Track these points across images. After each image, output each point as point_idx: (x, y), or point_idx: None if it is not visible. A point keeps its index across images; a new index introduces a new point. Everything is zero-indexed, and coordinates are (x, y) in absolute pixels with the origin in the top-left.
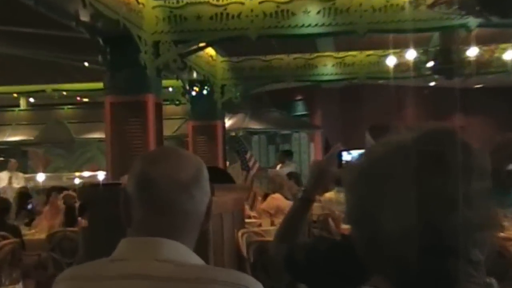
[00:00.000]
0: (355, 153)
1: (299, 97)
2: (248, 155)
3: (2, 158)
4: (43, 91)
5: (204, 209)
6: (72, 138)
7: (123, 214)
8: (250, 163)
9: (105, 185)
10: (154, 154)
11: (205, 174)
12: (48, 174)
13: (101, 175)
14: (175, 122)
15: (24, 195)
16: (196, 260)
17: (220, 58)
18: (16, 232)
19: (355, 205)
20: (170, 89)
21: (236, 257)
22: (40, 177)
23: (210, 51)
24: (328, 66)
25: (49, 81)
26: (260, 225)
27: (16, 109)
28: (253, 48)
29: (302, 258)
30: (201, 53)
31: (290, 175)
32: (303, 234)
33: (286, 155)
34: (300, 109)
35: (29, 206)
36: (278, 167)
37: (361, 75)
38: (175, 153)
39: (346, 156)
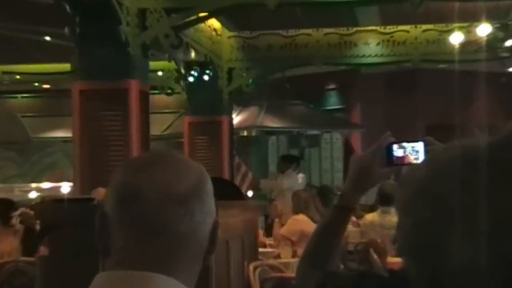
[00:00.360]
0: (409, 146)
1: (331, 86)
2: (235, 161)
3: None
4: None
5: (207, 233)
6: (27, 137)
7: (99, 240)
8: (239, 174)
9: (72, 200)
10: (141, 160)
11: (209, 187)
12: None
13: (66, 187)
14: (166, 117)
15: None
16: None
17: (228, 33)
18: None
19: (413, 231)
20: (160, 73)
21: None
22: None
23: (214, 23)
24: (371, 45)
25: None
26: (278, 256)
27: None
28: (271, 20)
29: None
30: (202, 26)
31: (320, 190)
32: (338, 258)
33: (290, 162)
34: (333, 102)
35: None
36: (277, 178)
37: (415, 57)
38: (169, 158)
39: (398, 151)
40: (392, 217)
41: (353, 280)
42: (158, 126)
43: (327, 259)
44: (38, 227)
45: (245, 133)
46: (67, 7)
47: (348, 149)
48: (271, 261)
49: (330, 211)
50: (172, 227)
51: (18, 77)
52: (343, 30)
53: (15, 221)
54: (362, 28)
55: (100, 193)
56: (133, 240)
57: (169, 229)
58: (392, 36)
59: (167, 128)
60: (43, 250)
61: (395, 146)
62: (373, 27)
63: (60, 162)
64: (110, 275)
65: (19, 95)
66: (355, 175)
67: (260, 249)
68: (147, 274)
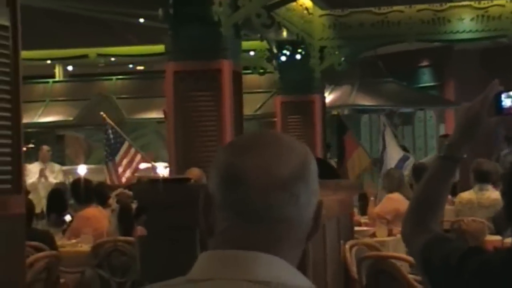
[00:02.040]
0: None
1: (424, 63)
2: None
3: (32, 145)
4: (85, 56)
5: (311, 214)
6: (122, 118)
7: (203, 221)
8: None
9: (168, 180)
10: (244, 141)
11: (313, 168)
12: (91, 166)
13: (160, 168)
14: (258, 97)
15: (59, 193)
16: (302, 281)
17: (319, 11)
18: (51, 242)
19: None
20: (252, 53)
21: (343, 278)
22: (81, 169)
23: (306, 2)
24: (465, 20)
25: (92, 44)
26: (373, 234)
27: (50, 80)
28: None
29: (454, 263)
30: (293, 5)
31: (415, 168)
32: (443, 213)
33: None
34: (426, 79)
35: (67, 217)
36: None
37: (511, 32)
38: (273, 139)
39: (506, 100)
40: (491, 193)
41: (462, 251)
42: (251, 106)
43: (432, 215)
44: (134, 207)
45: (337, 112)
46: None
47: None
48: (367, 240)
49: (435, 162)
50: (277, 211)
51: (113, 59)
52: (436, 6)
53: (112, 201)
54: (455, 4)
55: (194, 173)
56: (237, 222)
57: (274, 213)
58: (486, 11)
59: (260, 108)
60: (140, 230)
61: (503, 95)
62: (467, 2)
63: (154, 143)
64: (215, 254)
65: (114, 77)
66: (462, 124)
67: (356, 228)
68: (253, 254)
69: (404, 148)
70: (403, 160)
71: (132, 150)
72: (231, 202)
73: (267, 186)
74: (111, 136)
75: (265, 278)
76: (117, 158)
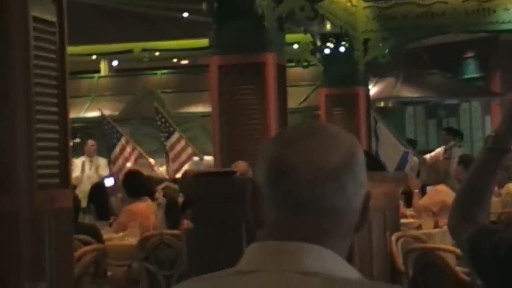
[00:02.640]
0: None
1: (470, 54)
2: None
3: (78, 140)
4: (130, 51)
5: (358, 205)
6: (167, 112)
7: (251, 213)
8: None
9: (213, 174)
10: (291, 133)
11: (361, 158)
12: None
13: (205, 161)
14: (302, 90)
15: (100, 187)
16: (351, 272)
17: (363, 3)
18: (97, 235)
19: None
20: (296, 46)
21: (389, 270)
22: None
23: None
24: (510, 11)
25: (137, 39)
26: (419, 226)
27: (96, 75)
28: None
29: (503, 253)
30: None
31: (462, 159)
32: (489, 206)
33: (453, 135)
34: (472, 71)
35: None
36: (439, 150)
37: None
38: (319, 131)
39: None
40: None
41: (510, 241)
42: (295, 99)
43: (478, 207)
44: (180, 200)
45: (382, 104)
46: None
47: None
48: (414, 232)
49: (480, 154)
50: (325, 202)
51: (157, 53)
52: None
53: (159, 194)
54: None
55: (240, 166)
56: (285, 213)
57: (322, 205)
58: None
59: (304, 100)
60: (186, 223)
61: None
62: None
63: (199, 137)
64: (264, 245)
65: (159, 72)
66: (509, 115)
67: (401, 220)
68: (302, 245)
69: (410, 141)
70: (403, 159)
71: (129, 146)
72: (278, 193)
73: (315, 177)
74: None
75: (314, 269)
76: (113, 155)
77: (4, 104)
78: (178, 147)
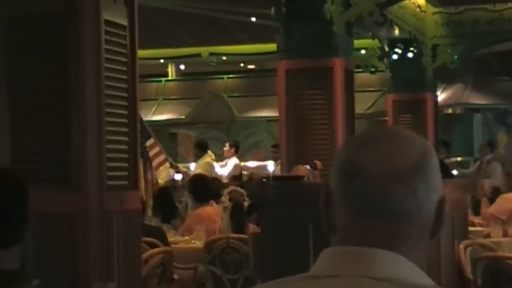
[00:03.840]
0: None
1: None
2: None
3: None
4: (197, 55)
5: (432, 210)
6: (233, 116)
7: (324, 217)
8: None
9: (280, 178)
10: (364, 137)
11: (434, 162)
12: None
13: (271, 166)
14: (369, 95)
15: (166, 192)
16: (424, 279)
17: (432, 9)
18: (163, 238)
19: None
20: (363, 51)
21: (457, 278)
22: (193, 167)
23: None
24: None
25: (204, 43)
26: (488, 235)
27: (163, 79)
28: None
29: None
30: (406, 2)
31: None
32: None
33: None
34: None
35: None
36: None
37: None
38: (393, 133)
39: None
40: None
41: None
42: (362, 104)
43: None
44: (246, 204)
45: (450, 111)
46: None
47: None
48: (482, 240)
49: None
50: (395, 205)
51: (224, 58)
52: None
53: (224, 198)
54: None
55: (300, 171)
56: (357, 217)
57: (393, 207)
58: None
59: (371, 106)
60: (252, 227)
61: None
62: None
63: (264, 141)
64: (337, 250)
65: (225, 76)
66: None
67: (470, 228)
68: (375, 251)
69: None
70: None
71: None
72: (350, 196)
73: (385, 179)
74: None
75: (388, 275)
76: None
77: (75, 106)
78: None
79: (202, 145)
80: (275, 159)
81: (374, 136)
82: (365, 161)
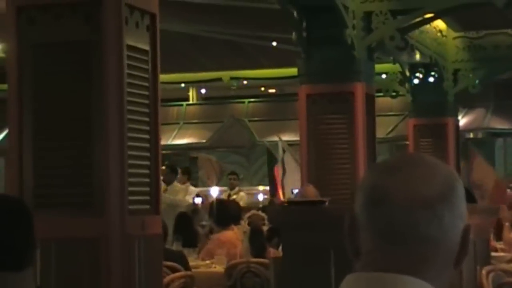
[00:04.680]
0: None
1: None
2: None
3: (164, 167)
4: (219, 79)
5: (457, 237)
6: (254, 141)
7: (348, 242)
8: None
9: (301, 202)
10: (389, 163)
11: (460, 190)
12: (223, 188)
13: (214, 191)
14: (390, 119)
15: (186, 217)
16: None
17: (453, 34)
18: (185, 262)
19: None
20: (384, 76)
21: None
22: (214, 191)
23: (440, 24)
24: None
25: (225, 67)
26: (510, 260)
27: (184, 103)
28: (498, 19)
29: None
30: (427, 27)
31: None
32: None
33: None
34: None
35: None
36: None
37: None
38: (417, 161)
39: None
40: None
41: None
42: (382, 128)
43: None
44: (265, 228)
45: (471, 135)
46: (294, 13)
47: None
48: (505, 266)
49: None
50: (420, 231)
51: (245, 82)
52: None
53: (244, 222)
54: None
55: (309, 190)
56: (381, 243)
57: (418, 234)
58: None
59: (392, 130)
60: (273, 252)
61: None
62: None
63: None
64: (360, 276)
65: (246, 100)
66: None
67: (492, 253)
68: (398, 277)
69: None
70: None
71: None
72: (375, 222)
73: (410, 205)
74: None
75: None
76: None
77: (98, 131)
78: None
79: (173, 168)
80: (232, 187)
81: (400, 162)
82: (391, 187)
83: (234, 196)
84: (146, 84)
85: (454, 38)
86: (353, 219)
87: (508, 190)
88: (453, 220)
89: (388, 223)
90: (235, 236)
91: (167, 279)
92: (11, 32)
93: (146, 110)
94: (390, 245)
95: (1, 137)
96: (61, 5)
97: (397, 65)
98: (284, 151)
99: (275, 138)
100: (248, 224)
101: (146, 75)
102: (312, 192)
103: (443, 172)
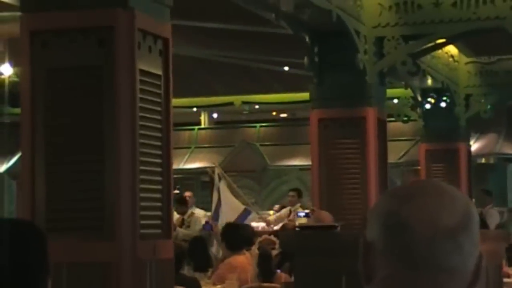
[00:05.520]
0: None
1: None
2: None
3: (177, 191)
4: (230, 104)
5: (473, 265)
6: (265, 165)
7: (362, 267)
8: None
9: (313, 227)
10: (407, 189)
11: (476, 217)
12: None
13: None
14: (401, 144)
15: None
16: None
17: (465, 59)
18: (196, 287)
19: None
20: (395, 100)
21: None
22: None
23: (451, 49)
24: None
25: (237, 92)
26: None
27: (196, 127)
28: (510, 44)
29: None
30: (438, 52)
31: None
32: None
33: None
34: None
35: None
36: None
37: None
38: (436, 188)
39: None
40: None
41: None
42: (394, 153)
43: None
44: (274, 252)
45: (483, 160)
46: (307, 38)
47: None
48: None
49: None
50: (441, 261)
51: (257, 106)
52: None
53: (254, 247)
54: None
55: (322, 216)
56: (399, 269)
57: (438, 263)
58: None
59: (403, 155)
60: (284, 277)
61: None
62: None
63: None
64: None
65: (258, 124)
66: None
67: (504, 280)
68: None
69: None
70: (245, 215)
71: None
72: (394, 248)
73: (433, 234)
74: None
75: None
76: None
77: (110, 154)
78: None
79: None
80: (292, 204)
81: (418, 190)
82: (411, 215)
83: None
84: (158, 108)
85: (466, 63)
86: (368, 245)
87: None
88: (472, 249)
89: (408, 251)
90: (246, 260)
91: None
92: (25, 56)
93: (159, 134)
94: (408, 271)
95: (13, 161)
96: (75, 30)
97: (409, 90)
98: (220, 178)
99: (287, 163)
100: (258, 249)
101: (159, 100)
102: (327, 217)
103: (461, 199)
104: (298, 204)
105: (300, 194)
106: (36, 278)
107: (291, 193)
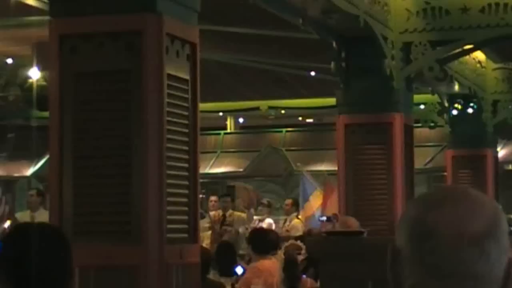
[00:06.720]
0: None
1: None
2: None
3: (202, 195)
4: (256, 108)
5: (501, 272)
6: (291, 170)
7: (390, 274)
8: None
9: (340, 233)
10: (435, 196)
11: (504, 223)
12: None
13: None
14: (427, 150)
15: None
16: None
17: (492, 65)
18: None
19: None
20: (422, 106)
21: None
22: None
23: (479, 55)
24: None
25: (263, 96)
26: None
27: (222, 132)
28: None
29: None
30: (466, 58)
31: None
32: None
33: None
34: None
35: (238, 269)
36: None
37: None
38: (462, 195)
39: None
40: None
41: None
42: (420, 159)
43: None
44: (300, 258)
45: (510, 167)
46: (334, 43)
47: None
48: None
49: None
50: (468, 267)
51: (283, 111)
52: None
53: (280, 252)
54: None
55: (349, 221)
56: (427, 277)
57: (465, 270)
58: None
59: (429, 161)
60: (310, 282)
61: None
62: None
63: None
64: None
65: (284, 129)
66: None
67: None
68: None
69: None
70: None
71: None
72: (421, 256)
73: (459, 242)
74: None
75: None
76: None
77: (137, 159)
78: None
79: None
80: (287, 213)
81: (446, 196)
82: (438, 222)
83: None
84: (185, 113)
85: (494, 69)
86: (396, 252)
87: None
88: (499, 256)
89: (435, 258)
90: (273, 265)
91: None
92: (53, 60)
93: (186, 139)
94: (435, 279)
95: (40, 164)
96: (103, 34)
97: (436, 96)
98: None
99: (312, 168)
100: (284, 254)
101: (186, 104)
102: (353, 223)
103: (489, 206)
104: (294, 214)
105: (296, 204)
106: (59, 282)
107: (286, 202)
